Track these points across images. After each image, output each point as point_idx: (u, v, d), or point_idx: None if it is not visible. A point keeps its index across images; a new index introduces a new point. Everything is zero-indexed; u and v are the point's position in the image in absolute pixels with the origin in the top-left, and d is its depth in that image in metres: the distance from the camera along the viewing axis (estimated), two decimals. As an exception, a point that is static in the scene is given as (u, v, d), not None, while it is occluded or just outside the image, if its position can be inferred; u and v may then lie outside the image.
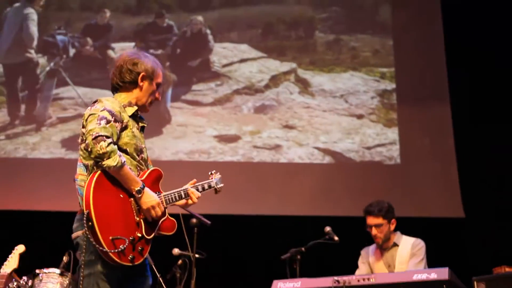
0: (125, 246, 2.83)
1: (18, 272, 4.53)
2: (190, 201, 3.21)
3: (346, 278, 3.70)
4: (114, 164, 2.85)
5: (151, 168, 3.16)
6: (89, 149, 2.85)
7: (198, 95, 6.70)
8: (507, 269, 4.11)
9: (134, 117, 3.12)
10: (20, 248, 4.60)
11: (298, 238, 4.64)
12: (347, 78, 6.84)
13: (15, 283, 4.50)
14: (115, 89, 3.20)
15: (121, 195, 2.94)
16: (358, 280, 3.67)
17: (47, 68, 6.94)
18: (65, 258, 4.54)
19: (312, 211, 6.10)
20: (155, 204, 2.99)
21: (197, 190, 3.25)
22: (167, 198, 3.11)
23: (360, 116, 6.65)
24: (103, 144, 2.82)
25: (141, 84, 3.14)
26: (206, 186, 3.31)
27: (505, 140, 6.24)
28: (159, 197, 3.05)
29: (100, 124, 2.89)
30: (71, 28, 7.12)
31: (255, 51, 6.95)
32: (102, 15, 7.15)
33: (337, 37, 7.00)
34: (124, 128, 3.02)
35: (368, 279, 3.66)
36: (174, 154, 6.48)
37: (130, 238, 2.88)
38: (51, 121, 6.71)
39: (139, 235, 2.93)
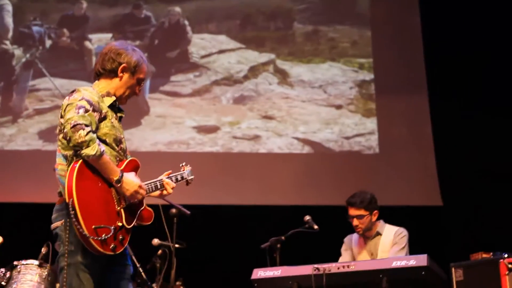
0: (108, 235, 2.83)
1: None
2: (165, 192, 3.24)
3: (326, 265, 3.69)
4: (93, 153, 2.83)
5: (129, 158, 3.14)
6: (68, 138, 2.83)
7: (176, 86, 6.67)
8: (484, 255, 4.18)
9: (112, 107, 3.10)
10: None
11: (278, 227, 4.64)
12: (326, 68, 6.86)
13: (-8, 275, 4.50)
14: (96, 76, 3.17)
15: (102, 185, 2.93)
16: (338, 268, 3.66)
17: (23, 60, 6.85)
18: (43, 250, 4.53)
19: (291, 201, 6.12)
20: (137, 188, 2.99)
21: (172, 180, 3.29)
22: (149, 186, 3.14)
23: (339, 107, 6.68)
24: (82, 132, 2.80)
25: (120, 74, 3.10)
26: (179, 177, 3.36)
27: (482, 129, 6.30)
28: None
29: (78, 112, 2.86)
30: (47, 19, 7.03)
31: (233, 42, 6.93)
32: (78, 6, 7.08)
33: (315, 28, 7.02)
34: (103, 118, 3.00)
35: (348, 266, 3.65)
36: (153, 145, 6.45)
37: (112, 227, 2.88)
38: (27, 112, 6.63)
39: (120, 224, 2.94)
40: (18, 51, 6.87)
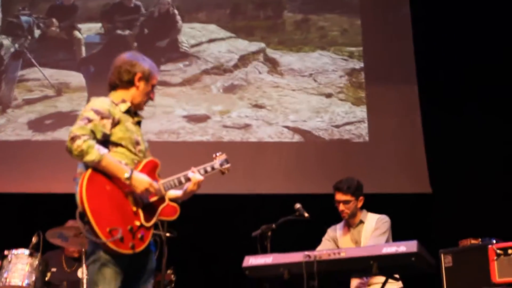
0: (120, 235, 2.94)
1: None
2: (191, 186, 3.35)
3: (316, 253, 3.71)
4: (93, 158, 2.97)
5: (147, 159, 3.27)
6: (69, 150, 2.98)
7: (166, 75, 6.65)
8: (472, 241, 4.24)
9: (128, 112, 3.24)
10: None
11: (269, 216, 4.66)
12: (316, 57, 6.86)
13: (-17, 265, 4.50)
14: (112, 88, 3.32)
15: (115, 188, 3.06)
16: (329, 255, 3.66)
17: (12, 50, 6.82)
18: (34, 239, 4.54)
19: (282, 189, 6.13)
20: (147, 185, 3.09)
21: (200, 173, 3.40)
22: (166, 184, 3.25)
23: (328, 95, 6.68)
24: (79, 142, 2.95)
25: (137, 84, 3.28)
26: (208, 169, 3.50)
27: (471, 117, 6.34)
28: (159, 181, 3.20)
29: (79, 125, 3.02)
30: (35, 9, 7.00)
31: (223, 31, 6.92)
32: None
33: (305, 16, 7.01)
34: (116, 123, 3.14)
35: (339, 253, 3.67)
36: (143, 135, 6.42)
37: (128, 227, 3.01)
38: (17, 102, 6.61)
39: (138, 223, 3.07)
40: (6, 41, 6.84)
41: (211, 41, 6.87)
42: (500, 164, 6.20)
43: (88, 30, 6.95)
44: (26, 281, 4.46)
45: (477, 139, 6.28)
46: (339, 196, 4.51)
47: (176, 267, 5.16)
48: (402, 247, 3.50)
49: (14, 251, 4.53)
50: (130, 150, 3.17)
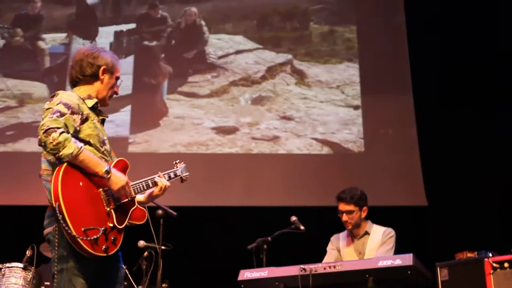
0: (98, 236, 2.80)
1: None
2: (157, 191, 3.24)
3: (312, 266, 3.71)
4: (71, 151, 2.79)
5: (117, 159, 3.14)
6: (43, 144, 2.80)
7: (194, 86, 6.66)
8: (469, 255, 4.20)
9: (94, 109, 3.09)
10: None
11: (268, 228, 4.60)
12: (343, 69, 6.86)
13: (-23, 279, 4.42)
14: (74, 83, 3.16)
15: (89, 186, 2.90)
16: (325, 268, 3.68)
17: (-25, 60, 6.76)
18: (28, 252, 4.50)
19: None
20: (124, 184, 2.98)
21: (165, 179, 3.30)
22: (135, 187, 3.10)
23: (356, 107, 6.68)
24: (55, 135, 2.76)
25: (102, 77, 3.13)
26: (172, 175, 3.39)
27: (467, 129, 6.32)
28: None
29: (52, 117, 2.83)
30: (0, 19, 6.98)
31: (250, 42, 6.93)
32: (33, 5, 7.02)
33: (331, 28, 7.01)
34: (85, 120, 2.99)
35: (334, 266, 3.68)
36: (172, 147, 6.45)
37: (102, 228, 2.85)
38: (-22, 113, 6.55)
39: (111, 225, 2.91)
40: (-29, 52, 6.78)
41: (238, 52, 6.87)
42: (496, 176, 6.17)
43: (53, 40, 6.91)
44: (20, 294, 4.39)
45: (474, 151, 6.25)
46: (342, 206, 4.49)
47: (172, 280, 5.13)
48: (397, 260, 3.53)
49: (8, 265, 4.48)
50: (97, 149, 3.00)
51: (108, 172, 2.89)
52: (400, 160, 6.42)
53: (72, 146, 2.79)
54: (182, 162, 3.49)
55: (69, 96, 2.98)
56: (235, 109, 6.63)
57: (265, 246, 4.37)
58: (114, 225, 2.92)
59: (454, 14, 6.69)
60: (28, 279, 4.41)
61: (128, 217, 3.03)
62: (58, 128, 2.79)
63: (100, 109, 3.16)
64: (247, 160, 6.45)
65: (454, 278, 4.16)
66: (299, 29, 7.03)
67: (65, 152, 2.77)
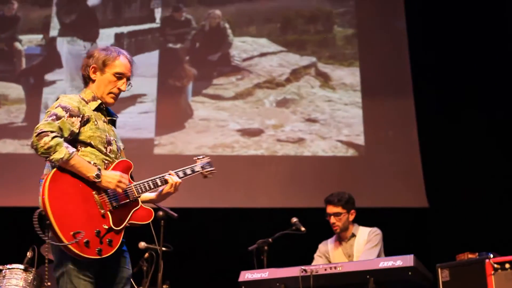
0: (81, 237, 2.75)
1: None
2: (167, 188, 3.14)
3: (313, 267, 3.72)
4: (62, 156, 2.78)
5: (119, 159, 3.09)
6: (34, 147, 2.80)
7: (219, 89, 6.69)
8: (470, 256, 4.17)
9: (100, 110, 3.09)
10: None
11: (267, 230, 4.63)
12: (367, 72, 6.87)
13: (-22, 280, 4.38)
14: (84, 86, 3.19)
15: (81, 190, 2.87)
16: (325, 269, 3.68)
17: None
18: (29, 254, 4.44)
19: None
20: (118, 178, 2.93)
21: (178, 176, 3.18)
22: (138, 187, 3.04)
23: (384, 110, 6.69)
24: (46, 139, 2.77)
25: (93, 77, 3.11)
26: (188, 171, 3.24)
27: (467, 130, 6.33)
28: (129, 187, 2.99)
29: (47, 120, 2.84)
30: None
31: (274, 45, 6.95)
32: (9, 7, 7.01)
33: (355, 31, 7.03)
34: (86, 122, 2.98)
35: (335, 267, 3.67)
36: (198, 149, 6.46)
37: (95, 230, 2.82)
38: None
39: (106, 227, 2.87)
40: None
41: (262, 55, 6.89)
42: (497, 177, 6.17)
43: (29, 42, 6.92)
44: (20, 296, 4.37)
45: (474, 152, 6.26)
46: (330, 209, 4.56)
47: (172, 282, 5.10)
48: (398, 261, 3.53)
49: (9, 266, 4.41)
50: (100, 150, 2.98)
51: (98, 176, 2.86)
52: (401, 162, 6.43)
53: (63, 151, 2.78)
54: (207, 158, 3.37)
55: (70, 99, 2.98)
56: (260, 111, 6.64)
57: (265, 247, 4.41)
58: (110, 227, 2.88)
59: (454, 17, 6.70)
60: (29, 281, 4.35)
61: (129, 217, 2.97)
62: (52, 132, 2.79)
63: (110, 109, 3.17)
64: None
65: (455, 279, 4.13)
66: (322, 32, 7.04)
67: (55, 156, 2.78)
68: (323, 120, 6.61)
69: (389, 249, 4.47)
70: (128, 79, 3.15)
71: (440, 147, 6.38)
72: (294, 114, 6.63)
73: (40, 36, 6.94)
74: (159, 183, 3.11)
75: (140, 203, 3.03)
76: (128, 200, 2.98)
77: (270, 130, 6.56)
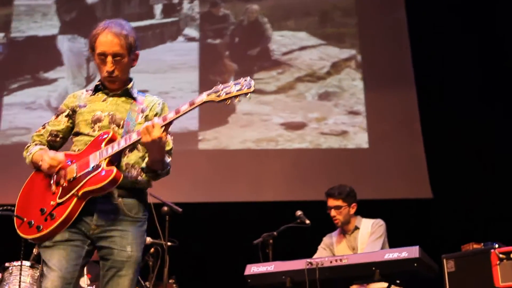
0: (31, 220, 2.77)
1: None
2: (146, 137, 2.68)
3: (318, 260, 3.70)
4: (27, 161, 2.95)
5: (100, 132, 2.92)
6: None
7: (260, 83, 6.71)
8: (475, 246, 4.18)
9: (99, 91, 3.00)
10: None
11: (271, 224, 4.64)
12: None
13: (-16, 277, 4.39)
14: None
15: (44, 179, 2.86)
16: (331, 262, 3.65)
17: None
18: (35, 251, 4.46)
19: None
20: (38, 158, 2.85)
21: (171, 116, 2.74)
22: (103, 151, 2.79)
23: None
24: (23, 152, 2.99)
25: (92, 58, 3.04)
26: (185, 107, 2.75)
27: (471, 121, 6.33)
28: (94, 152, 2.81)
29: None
30: None
31: (313, 38, 6.95)
32: None
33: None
34: (74, 112, 2.97)
35: (341, 260, 3.64)
36: (242, 143, 6.50)
37: (40, 209, 2.76)
38: None
39: (53, 202, 2.77)
40: None
41: (302, 48, 6.90)
42: (502, 167, 6.18)
43: None
44: (27, 293, 4.37)
45: (478, 142, 6.27)
46: (331, 202, 4.57)
47: (178, 276, 5.13)
48: (404, 253, 3.50)
49: (15, 263, 4.43)
50: (85, 134, 2.89)
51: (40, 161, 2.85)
52: (404, 153, 6.44)
53: (27, 158, 2.95)
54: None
55: (67, 97, 3.07)
56: (302, 105, 6.66)
57: (271, 241, 4.43)
58: (56, 202, 2.77)
59: (456, 7, 6.70)
60: (36, 277, 4.34)
61: (80, 185, 2.73)
62: (28, 145, 3.00)
63: (131, 90, 2.99)
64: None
65: (460, 269, 4.14)
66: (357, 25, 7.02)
67: (27, 163, 2.95)
68: (366, 112, 6.63)
69: (394, 241, 4.46)
70: (115, 55, 2.87)
71: (444, 137, 6.39)
72: (336, 107, 6.64)
73: (2, 34, 6.92)
74: (134, 136, 2.74)
75: (101, 167, 2.74)
76: (88, 169, 2.76)
77: (314, 123, 6.58)
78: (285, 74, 6.80)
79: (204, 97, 2.76)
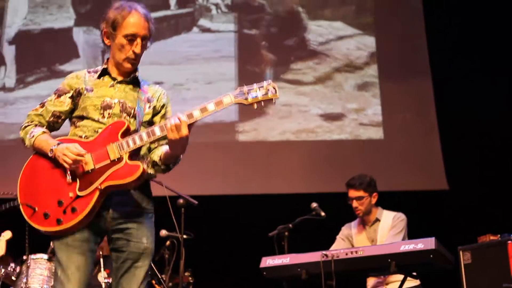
0: (35, 209, 2.73)
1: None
2: (171, 134, 2.66)
3: (334, 252, 3.68)
4: (27, 143, 2.84)
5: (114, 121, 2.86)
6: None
7: (298, 74, 6.70)
8: (491, 237, 4.18)
9: (104, 75, 2.91)
10: (7, 235, 4.58)
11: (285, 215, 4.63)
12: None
13: (2, 270, 4.49)
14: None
15: (53, 167, 2.79)
16: (346, 254, 3.64)
17: None
18: (52, 243, 4.46)
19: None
20: (63, 150, 2.72)
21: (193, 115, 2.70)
22: (123, 143, 2.74)
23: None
24: (20, 132, 2.89)
25: (107, 43, 2.90)
26: (211, 107, 2.68)
27: (488, 112, 6.27)
28: (109, 146, 2.75)
29: (33, 109, 2.94)
30: None
31: (350, 28, 6.91)
32: None
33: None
34: (78, 95, 2.87)
35: (356, 252, 3.63)
36: (281, 134, 6.53)
37: (57, 201, 2.71)
38: None
39: (72, 195, 2.71)
40: None
41: (339, 38, 6.87)
42: None
43: None
44: (45, 286, 4.43)
45: (495, 133, 6.23)
46: (352, 193, 4.55)
47: (194, 269, 5.14)
48: (420, 245, 3.48)
49: (33, 256, 4.47)
50: (94, 119, 2.81)
51: (52, 151, 2.75)
52: (420, 144, 6.43)
53: (27, 139, 2.84)
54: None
55: (70, 76, 2.93)
56: (340, 95, 6.66)
57: (286, 233, 4.43)
58: (76, 194, 2.71)
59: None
60: (53, 270, 4.21)
61: (103, 178, 2.70)
62: (27, 123, 2.89)
63: (125, 70, 2.90)
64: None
65: (477, 261, 4.16)
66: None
67: (26, 145, 2.85)
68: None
69: (410, 232, 4.46)
70: (144, 38, 2.84)
71: (460, 128, 6.35)
72: (375, 98, 6.64)
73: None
74: (158, 132, 2.72)
75: (124, 160, 2.71)
76: (108, 161, 2.73)
77: (352, 114, 6.58)
78: (322, 64, 6.77)
79: (231, 99, 2.68)
